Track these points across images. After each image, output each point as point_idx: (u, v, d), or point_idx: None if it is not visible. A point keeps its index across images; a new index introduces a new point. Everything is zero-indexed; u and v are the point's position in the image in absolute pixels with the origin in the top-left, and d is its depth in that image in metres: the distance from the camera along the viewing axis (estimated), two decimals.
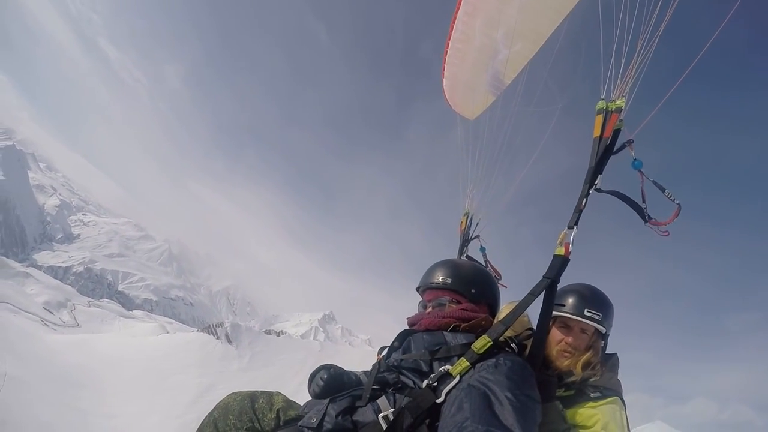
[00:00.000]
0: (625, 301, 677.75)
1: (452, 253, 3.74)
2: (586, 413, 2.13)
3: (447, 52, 3.62)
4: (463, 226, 3.74)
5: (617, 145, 2.19)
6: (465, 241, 3.70)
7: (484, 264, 3.50)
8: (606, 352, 2.44)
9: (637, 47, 2.15)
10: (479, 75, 3.64)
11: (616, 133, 2.17)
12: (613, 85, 2.22)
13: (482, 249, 3.62)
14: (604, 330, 2.36)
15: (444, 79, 3.88)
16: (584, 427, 2.12)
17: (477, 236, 3.68)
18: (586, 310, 2.34)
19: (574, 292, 2.42)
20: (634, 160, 2.19)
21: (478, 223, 3.70)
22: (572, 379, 2.24)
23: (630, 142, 2.18)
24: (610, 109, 2.18)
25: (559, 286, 2.11)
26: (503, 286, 2.90)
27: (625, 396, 2.25)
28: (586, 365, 2.30)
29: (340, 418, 1.77)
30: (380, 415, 1.71)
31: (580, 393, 2.22)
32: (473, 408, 1.50)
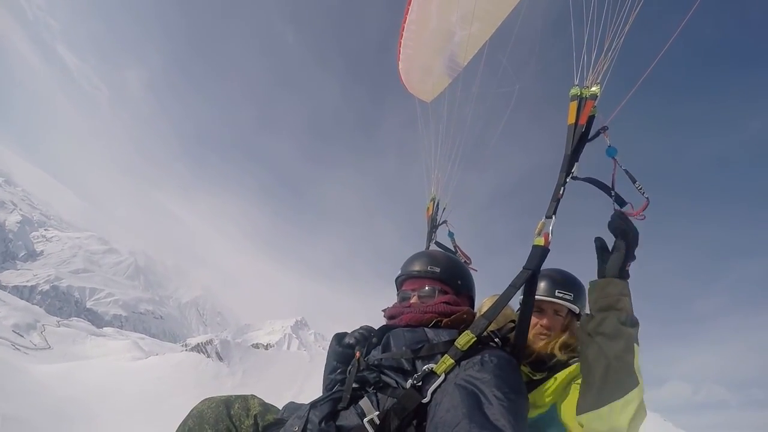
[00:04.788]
0: None
1: (422, 241, 3.67)
2: (560, 376, 2.17)
3: (402, 34, 3.55)
4: (430, 212, 3.68)
5: (592, 132, 2.14)
6: (433, 227, 3.64)
7: (453, 249, 3.47)
8: None
9: (610, 33, 2.13)
10: (435, 57, 3.60)
11: (591, 119, 2.12)
12: (587, 72, 2.17)
13: (450, 234, 3.56)
14: (577, 310, 2.41)
15: (399, 62, 3.81)
16: (561, 383, 2.15)
17: (444, 221, 3.64)
18: (557, 291, 2.41)
19: (544, 276, 2.46)
20: (609, 146, 2.16)
21: (444, 208, 3.66)
22: (555, 360, 2.27)
23: (605, 128, 2.15)
24: (584, 95, 2.13)
25: None
26: (474, 270, 2.88)
27: None
28: (565, 347, 2.31)
29: (323, 424, 1.67)
30: (365, 419, 1.63)
31: (558, 368, 2.24)
32: (463, 409, 1.46)
